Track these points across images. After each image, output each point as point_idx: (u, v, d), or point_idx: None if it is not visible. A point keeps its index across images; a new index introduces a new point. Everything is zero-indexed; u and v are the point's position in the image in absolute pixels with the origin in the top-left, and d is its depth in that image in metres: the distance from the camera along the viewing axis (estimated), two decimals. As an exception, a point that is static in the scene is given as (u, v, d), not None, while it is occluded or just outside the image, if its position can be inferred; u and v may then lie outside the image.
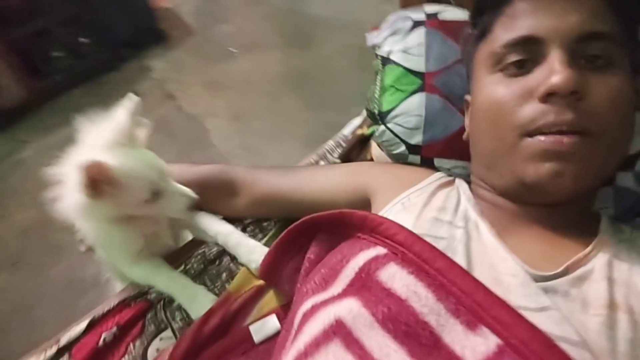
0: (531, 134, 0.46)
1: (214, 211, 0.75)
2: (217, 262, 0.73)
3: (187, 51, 2.66)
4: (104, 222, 0.65)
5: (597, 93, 0.44)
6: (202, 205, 0.72)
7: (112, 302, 0.70)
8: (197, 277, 0.71)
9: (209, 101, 2.26)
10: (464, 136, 0.61)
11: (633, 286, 0.42)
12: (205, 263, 0.72)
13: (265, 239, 0.73)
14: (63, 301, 1.54)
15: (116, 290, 0.75)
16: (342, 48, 2.32)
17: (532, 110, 0.46)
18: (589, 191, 0.50)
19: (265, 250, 0.66)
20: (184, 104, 2.27)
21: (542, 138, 0.45)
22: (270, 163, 1.85)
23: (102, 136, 0.60)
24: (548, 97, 0.44)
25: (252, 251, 0.68)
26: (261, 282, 0.65)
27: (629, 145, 0.51)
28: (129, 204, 0.62)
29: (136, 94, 0.64)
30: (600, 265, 0.44)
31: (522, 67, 0.48)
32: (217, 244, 0.73)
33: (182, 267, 0.72)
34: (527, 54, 0.48)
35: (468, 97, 0.59)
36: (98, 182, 0.55)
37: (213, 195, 0.74)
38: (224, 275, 0.71)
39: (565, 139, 0.43)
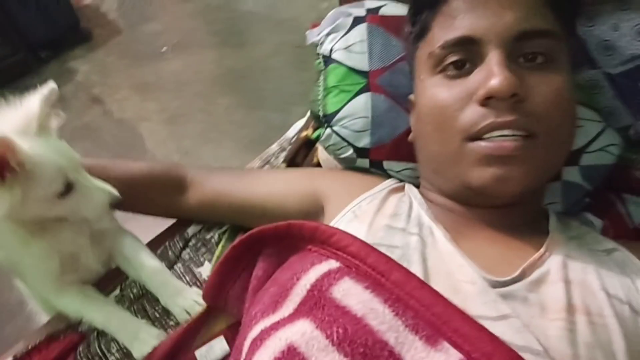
0: (473, 138, 0.45)
1: (158, 210, 0.71)
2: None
3: (113, 51, 2.52)
4: (11, 229, 0.57)
5: (538, 93, 0.44)
6: (143, 204, 0.68)
7: (38, 336, 0.62)
8: (136, 301, 0.65)
9: (140, 104, 2.15)
10: (410, 137, 0.60)
11: (587, 285, 0.42)
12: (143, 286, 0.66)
13: (214, 258, 0.69)
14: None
15: (42, 321, 0.67)
16: (278, 46, 2.29)
17: (472, 113, 0.45)
18: (537, 190, 0.50)
19: (194, 293, 0.62)
20: (113, 108, 2.15)
21: (483, 144, 0.44)
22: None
23: (11, 122, 0.52)
24: (487, 100, 0.43)
25: (178, 294, 0.63)
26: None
27: (572, 142, 0.51)
28: (40, 198, 0.53)
29: (59, 98, 0.58)
30: (555, 266, 0.43)
31: (462, 68, 0.47)
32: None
33: (118, 290, 0.66)
34: (465, 54, 0.47)
35: (412, 97, 0.58)
36: (4, 162, 0.48)
37: (159, 192, 0.69)
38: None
39: (507, 144, 0.43)
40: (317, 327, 0.37)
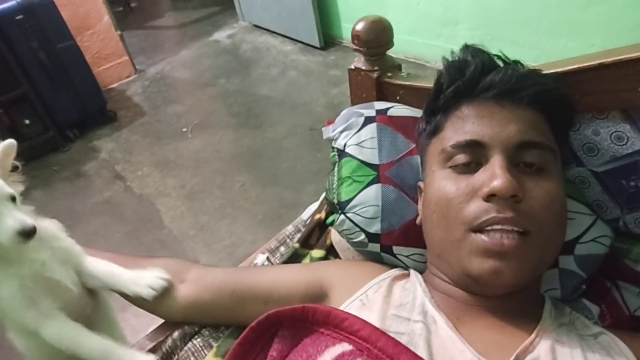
0: (476, 229, 0.50)
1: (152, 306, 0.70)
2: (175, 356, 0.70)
3: (136, 131, 2.67)
4: None
5: (533, 196, 0.50)
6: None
7: None
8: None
9: (160, 181, 2.24)
10: (417, 221, 0.64)
11: None
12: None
13: (219, 341, 0.70)
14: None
15: None
16: (292, 128, 2.41)
17: (476, 207, 0.50)
18: (532, 281, 0.54)
19: (154, 272, 0.66)
20: (134, 184, 2.24)
21: (484, 238, 0.49)
22: (225, 242, 1.83)
23: None
24: (490, 197, 0.49)
25: (139, 277, 0.66)
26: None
27: (563, 239, 0.56)
28: None
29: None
30: (544, 351, 0.47)
31: (469, 165, 0.53)
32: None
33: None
34: (472, 155, 0.53)
35: (421, 184, 0.64)
36: None
37: None
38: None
39: (506, 241, 0.48)
40: None
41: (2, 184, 0.59)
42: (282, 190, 2.00)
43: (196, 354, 0.70)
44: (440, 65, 0.62)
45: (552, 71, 0.59)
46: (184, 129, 2.60)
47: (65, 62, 2.48)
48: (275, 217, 1.87)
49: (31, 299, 0.61)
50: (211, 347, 0.70)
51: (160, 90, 3.08)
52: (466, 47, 0.61)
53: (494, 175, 0.49)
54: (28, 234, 0.58)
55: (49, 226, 0.67)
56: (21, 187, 0.64)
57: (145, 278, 0.66)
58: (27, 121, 2.41)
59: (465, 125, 0.55)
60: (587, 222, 0.61)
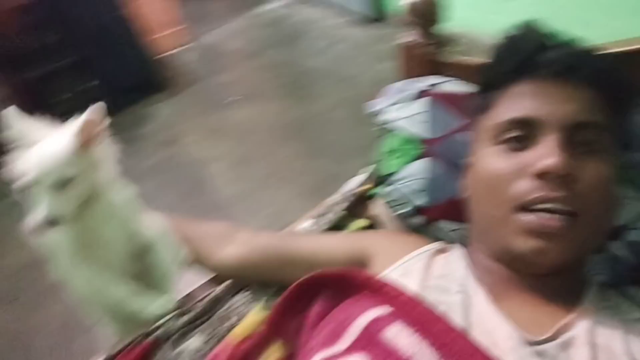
0: (523, 207, 0.50)
1: (197, 257, 0.77)
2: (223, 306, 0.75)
3: (188, 99, 2.75)
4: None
5: (586, 177, 0.49)
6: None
7: (114, 346, 0.70)
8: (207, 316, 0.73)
9: (208, 148, 2.32)
10: (463, 195, 0.65)
11: (612, 350, 0.46)
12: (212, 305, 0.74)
13: (267, 296, 0.75)
14: (58, 342, 1.54)
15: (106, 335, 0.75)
16: (339, 100, 2.41)
17: (526, 184, 0.50)
18: (575, 263, 0.54)
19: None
20: (184, 151, 2.33)
21: (531, 216, 0.49)
22: (268, 210, 1.88)
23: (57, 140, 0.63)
24: (542, 175, 0.49)
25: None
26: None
27: (611, 223, 0.55)
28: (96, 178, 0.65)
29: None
30: (583, 331, 0.47)
31: (520, 142, 0.53)
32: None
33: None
34: (525, 131, 0.52)
35: (469, 159, 0.64)
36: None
37: (209, 241, 0.77)
38: (234, 318, 0.73)
39: (553, 222, 0.48)
40: None
41: (55, 168, 0.64)
42: (326, 163, 2.02)
43: (245, 305, 0.74)
44: (498, 41, 0.61)
45: (616, 50, 0.57)
46: (233, 99, 2.66)
47: (124, 29, 2.57)
48: (319, 189, 1.90)
49: (79, 248, 0.69)
50: (259, 300, 0.75)
51: (211, 59, 3.15)
52: (525, 24, 0.59)
53: (548, 153, 0.49)
54: (52, 223, 0.64)
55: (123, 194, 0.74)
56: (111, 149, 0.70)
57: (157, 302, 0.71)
58: (93, 83, 2.54)
59: (520, 102, 0.54)
60: (640, 208, 0.60)
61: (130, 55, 2.67)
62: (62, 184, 0.65)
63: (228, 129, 2.43)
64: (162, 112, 2.66)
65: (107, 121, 0.67)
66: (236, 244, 0.75)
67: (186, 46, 3.30)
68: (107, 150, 0.69)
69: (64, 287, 0.74)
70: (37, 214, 0.63)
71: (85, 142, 0.65)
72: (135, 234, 0.75)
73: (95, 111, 0.65)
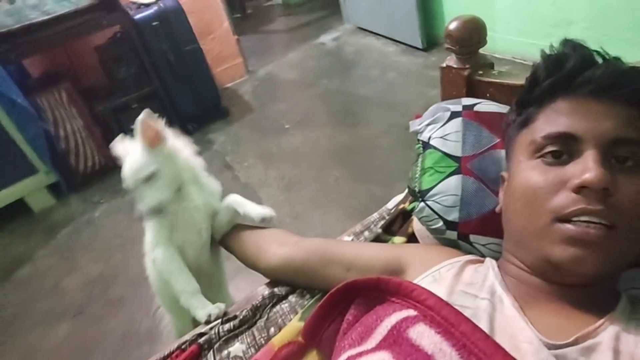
0: (562, 219, 0.51)
1: (251, 259, 0.90)
2: (263, 317, 0.81)
3: (245, 126, 2.91)
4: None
5: (624, 192, 0.50)
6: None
7: (166, 349, 0.77)
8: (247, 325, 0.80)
9: (263, 172, 2.44)
10: (497, 209, 0.66)
11: (637, 358, 0.45)
12: (253, 314, 0.81)
13: (312, 300, 0.80)
14: (117, 352, 1.64)
15: (168, 328, 0.87)
16: (387, 127, 2.47)
17: (565, 198, 0.51)
18: (609, 275, 0.54)
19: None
20: (240, 174, 2.46)
21: (570, 226, 0.50)
22: (316, 231, 1.94)
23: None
24: (581, 189, 0.50)
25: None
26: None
27: None
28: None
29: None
30: (608, 337, 0.47)
31: (559, 158, 0.54)
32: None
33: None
34: (564, 147, 0.54)
35: (504, 174, 0.66)
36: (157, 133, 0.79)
37: (261, 242, 0.89)
38: (272, 329, 0.78)
39: (592, 231, 0.49)
40: (393, 358, 0.46)
41: (139, 168, 0.82)
42: (373, 187, 2.06)
43: (283, 317, 0.81)
44: (540, 58, 0.62)
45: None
46: (287, 126, 2.78)
47: (189, 63, 2.79)
48: (365, 211, 1.94)
49: (167, 227, 0.86)
50: (296, 312, 0.80)
51: (267, 89, 3.32)
52: (566, 41, 0.60)
53: (587, 168, 0.50)
54: (155, 210, 0.81)
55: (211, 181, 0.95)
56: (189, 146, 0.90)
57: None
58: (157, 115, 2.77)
59: (559, 117, 0.55)
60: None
61: (199, 86, 2.90)
62: (149, 179, 0.80)
63: (281, 154, 2.55)
64: (221, 138, 2.83)
65: (163, 120, 0.84)
66: (287, 245, 0.85)
67: (245, 77, 3.52)
68: (178, 145, 0.83)
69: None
70: (142, 204, 0.81)
71: (150, 141, 0.80)
72: (214, 227, 0.92)
73: (144, 114, 0.79)
